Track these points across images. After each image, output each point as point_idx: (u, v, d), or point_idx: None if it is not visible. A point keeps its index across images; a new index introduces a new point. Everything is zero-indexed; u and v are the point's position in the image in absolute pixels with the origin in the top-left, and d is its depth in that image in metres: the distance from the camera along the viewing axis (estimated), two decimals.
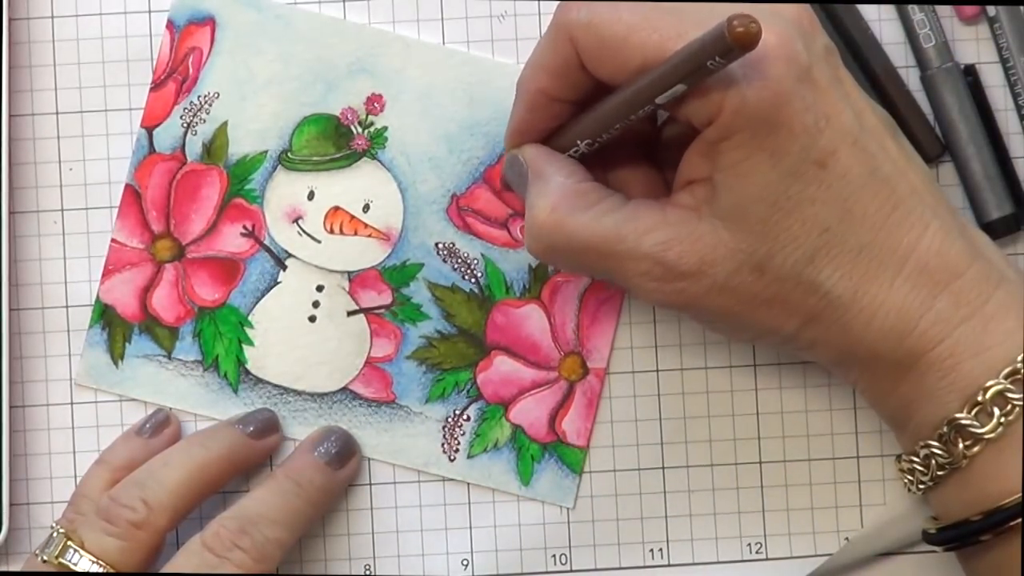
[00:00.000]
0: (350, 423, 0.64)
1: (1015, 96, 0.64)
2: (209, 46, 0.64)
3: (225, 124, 0.64)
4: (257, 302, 0.65)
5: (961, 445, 0.55)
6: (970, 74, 0.64)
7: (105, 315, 0.64)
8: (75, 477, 0.64)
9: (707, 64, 0.52)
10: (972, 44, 0.65)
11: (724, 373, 0.65)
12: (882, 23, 0.65)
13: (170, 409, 0.64)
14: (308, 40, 0.64)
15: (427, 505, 0.65)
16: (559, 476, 0.64)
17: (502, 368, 0.65)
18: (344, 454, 0.63)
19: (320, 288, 0.65)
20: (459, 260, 0.65)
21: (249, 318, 0.65)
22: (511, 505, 0.65)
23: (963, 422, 0.55)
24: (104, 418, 0.65)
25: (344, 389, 0.65)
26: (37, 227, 0.65)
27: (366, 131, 0.65)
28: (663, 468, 0.65)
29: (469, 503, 0.65)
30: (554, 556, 0.65)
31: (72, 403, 0.65)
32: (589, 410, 0.65)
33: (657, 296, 0.56)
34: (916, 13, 0.64)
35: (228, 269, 0.65)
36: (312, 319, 0.65)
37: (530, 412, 0.65)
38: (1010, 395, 0.54)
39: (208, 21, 0.64)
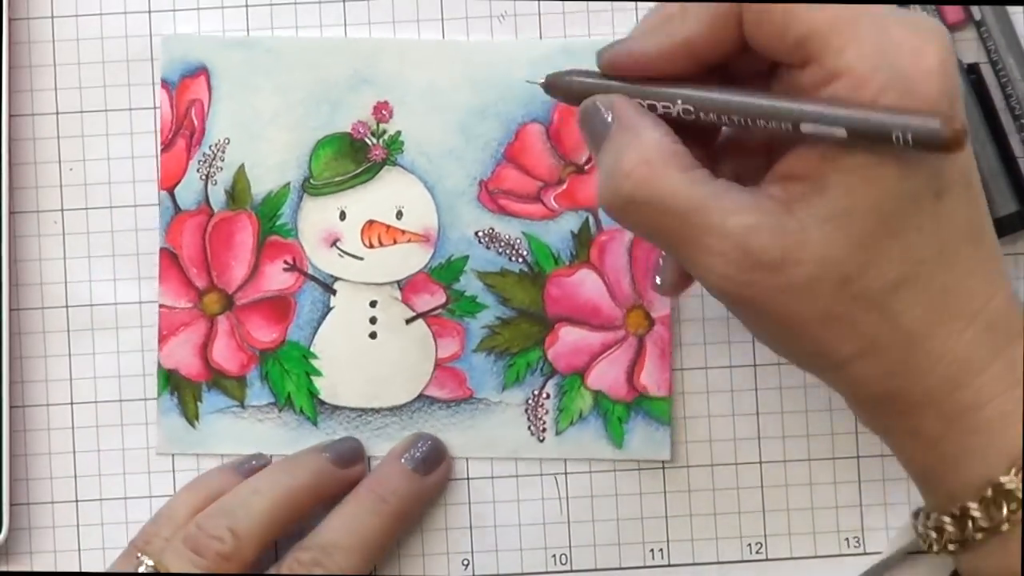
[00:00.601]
0: (433, 428, 0.64)
1: (1007, 97, 0.64)
2: (208, 95, 0.64)
3: (242, 167, 0.64)
4: (315, 332, 0.65)
5: (1005, 510, 0.53)
6: (973, 72, 0.64)
7: (171, 380, 0.65)
8: (75, 477, 0.64)
9: (892, 137, 0.50)
10: (973, 43, 0.65)
11: (724, 373, 0.65)
12: None
13: (270, 457, 0.64)
14: (303, 65, 0.64)
15: (427, 505, 0.65)
16: (650, 430, 0.64)
17: (569, 338, 0.65)
18: (432, 459, 0.63)
19: (373, 303, 0.65)
20: (502, 243, 0.65)
21: (311, 349, 0.65)
22: (511, 505, 0.65)
23: (1009, 487, 0.53)
24: (104, 418, 0.65)
25: (420, 396, 0.65)
26: (37, 227, 0.65)
27: (380, 140, 0.65)
28: (663, 468, 0.65)
29: (469, 503, 0.65)
30: (554, 556, 0.65)
31: (72, 403, 0.65)
32: (664, 359, 0.64)
33: (726, 283, 0.53)
34: (918, 12, 0.64)
35: (280, 307, 0.65)
36: (373, 335, 0.65)
37: (607, 375, 0.64)
38: None
39: (201, 72, 0.64)
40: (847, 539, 0.65)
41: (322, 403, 0.65)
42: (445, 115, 0.64)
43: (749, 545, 0.65)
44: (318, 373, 0.65)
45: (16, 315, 0.64)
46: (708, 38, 0.53)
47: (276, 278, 0.65)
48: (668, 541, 0.65)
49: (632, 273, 0.64)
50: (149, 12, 0.65)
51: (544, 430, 0.65)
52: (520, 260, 0.65)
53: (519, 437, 0.64)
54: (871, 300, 0.52)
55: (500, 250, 0.65)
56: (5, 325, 0.63)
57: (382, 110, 0.65)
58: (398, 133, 0.64)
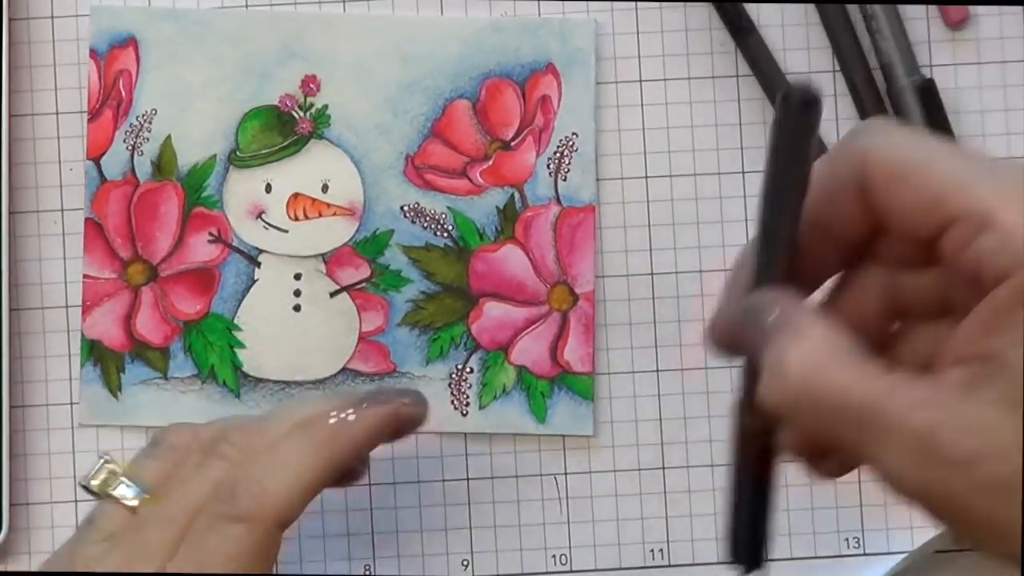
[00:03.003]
0: None
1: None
2: (136, 66, 0.65)
3: (169, 138, 0.65)
4: (239, 304, 0.65)
5: None
6: (928, 87, 0.64)
7: (94, 351, 0.64)
8: (74, 477, 0.64)
9: None
10: (973, 44, 0.65)
11: (724, 373, 0.64)
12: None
13: None
14: (232, 38, 0.65)
15: (427, 505, 0.64)
16: (572, 406, 0.64)
17: (493, 313, 0.64)
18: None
19: (298, 276, 0.65)
20: (427, 218, 0.65)
21: (235, 321, 0.65)
22: (511, 505, 0.64)
23: None
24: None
25: (344, 370, 0.65)
26: (37, 227, 0.65)
27: (307, 113, 0.65)
28: (663, 468, 0.65)
29: (469, 503, 0.64)
30: (554, 556, 0.64)
31: (71, 403, 0.65)
32: (587, 335, 0.64)
33: (916, 484, 0.47)
34: (883, 28, 0.64)
35: (204, 279, 0.65)
36: (297, 308, 0.65)
37: (530, 350, 0.64)
38: None
39: (130, 41, 0.65)
40: (847, 539, 0.64)
41: (245, 376, 0.65)
42: (373, 90, 0.65)
43: None
44: (241, 345, 0.65)
45: (16, 315, 0.65)
46: (844, 219, 0.49)
47: (201, 249, 0.65)
48: (668, 541, 0.64)
49: (557, 249, 0.65)
50: None
51: (467, 404, 0.64)
52: (445, 235, 0.65)
53: (442, 412, 0.64)
54: None
55: (425, 225, 0.65)
56: (5, 325, 0.63)
57: (310, 83, 0.65)
58: (325, 107, 0.65)
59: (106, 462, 0.56)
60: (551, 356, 0.64)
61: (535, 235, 0.65)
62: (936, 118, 0.64)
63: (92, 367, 0.64)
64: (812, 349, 0.47)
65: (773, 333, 0.48)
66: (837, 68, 0.65)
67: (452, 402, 0.64)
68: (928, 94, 0.64)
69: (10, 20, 0.64)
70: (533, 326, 0.64)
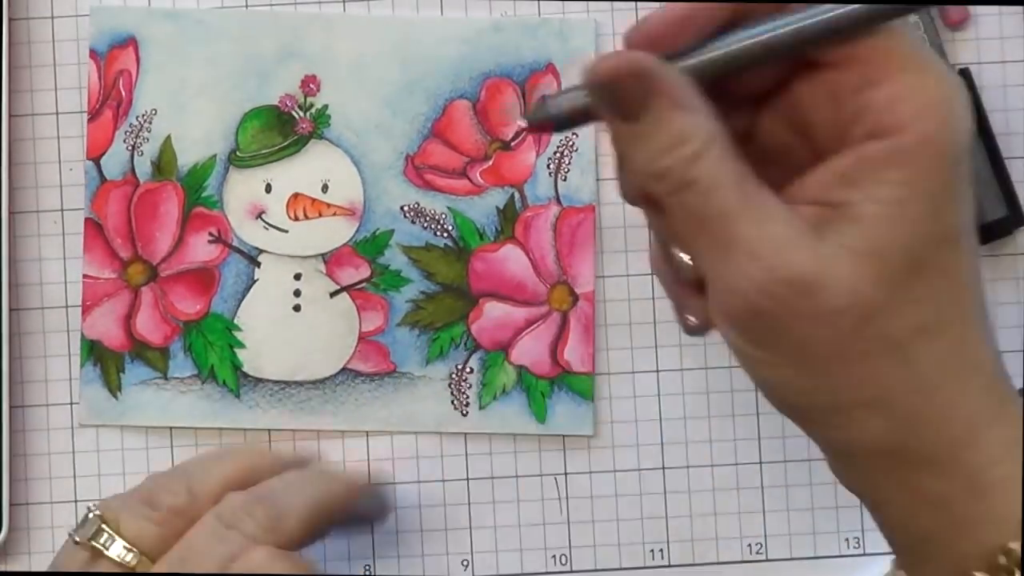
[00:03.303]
0: (356, 401, 0.64)
1: None
2: (136, 66, 0.65)
3: (169, 138, 0.65)
4: (239, 304, 0.65)
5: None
6: (964, 77, 0.64)
7: (94, 351, 0.64)
8: (74, 478, 0.64)
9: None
10: (971, 44, 0.65)
11: (724, 373, 0.64)
12: None
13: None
14: (232, 38, 0.65)
15: (427, 505, 0.64)
16: (572, 406, 0.64)
17: (493, 314, 0.64)
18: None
19: (298, 276, 0.65)
20: (427, 218, 0.65)
21: (235, 321, 0.65)
22: (511, 505, 0.65)
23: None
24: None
25: (344, 370, 0.65)
26: (37, 227, 0.65)
27: (307, 113, 0.65)
28: (663, 468, 0.65)
29: (469, 503, 0.64)
30: (554, 556, 0.64)
31: (71, 403, 0.65)
32: (587, 335, 0.64)
33: (752, 291, 0.47)
34: (911, 16, 0.64)
35: (204, 279, 0.65)
36: (297, 308, 0.65)
37: (530, 350, 0.64)
38: None
39: (129, 42, 0.65)
40: (847, 539, 0.64)
41: (245, 376, 0.65)
42: (373, 90, 0.65)
43: (749, 545, 0.64)
44: (241, 345, 0.65)
45: (16, 315, 0.65)
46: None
47: (201, 250, 0.65)
48: (668, 541, 0.64)
49: (557, 249, 0.65)
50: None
51: (467, 404, 0.64)
52: (445, 235, 0.65)
53: (442, 411, 0.64)
54: (891, 343, 0.48)
55: (425, 225, 0.65)
56: (5, 325, 0.64)
57: (310, 83, 0.65)
58: (325, 107, 0.65)
59: (94, 515, 0.56)
60: (551, 356, 0.64)
61: (535, 235, 0.65)
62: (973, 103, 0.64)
63: (92, 367, 0.64)
64: (708, 134, 0.47)
65: (650, 103, 0.47)
66: None
67: (452, 402, 0.64)
68: (967, 79, 0.64)
69: (10, 20, 0.64)
70: (533, 326, 0.64)
